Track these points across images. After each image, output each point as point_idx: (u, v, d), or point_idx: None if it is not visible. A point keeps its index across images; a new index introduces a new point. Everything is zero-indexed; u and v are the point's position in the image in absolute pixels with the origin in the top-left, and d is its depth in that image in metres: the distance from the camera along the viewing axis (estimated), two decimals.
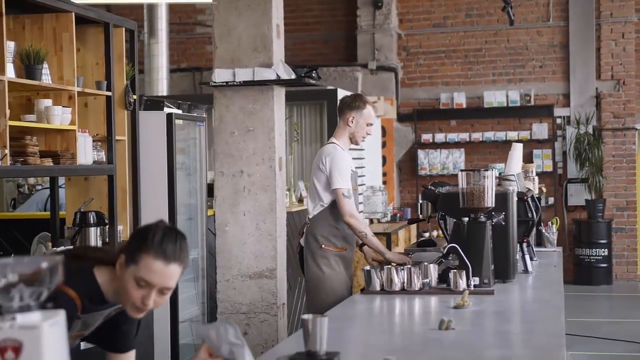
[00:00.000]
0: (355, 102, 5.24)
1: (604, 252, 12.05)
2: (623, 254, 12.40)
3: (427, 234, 12.24)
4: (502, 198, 4.49)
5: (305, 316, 2.70)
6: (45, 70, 4.84)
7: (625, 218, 12.41)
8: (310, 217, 5.23)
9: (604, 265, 12.08)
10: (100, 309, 2.68)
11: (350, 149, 8.67)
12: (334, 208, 5.12)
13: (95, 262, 2.66)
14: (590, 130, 12.17)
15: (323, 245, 5.13)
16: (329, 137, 9.65)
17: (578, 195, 12.39)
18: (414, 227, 11.10)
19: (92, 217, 5.29)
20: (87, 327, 2.71)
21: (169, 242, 2.54)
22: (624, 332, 8.84)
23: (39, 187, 8.58)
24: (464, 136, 12.63)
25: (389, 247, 8.84)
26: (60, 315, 1.77)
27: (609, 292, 11.76)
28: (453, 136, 12.67)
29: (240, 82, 5.70)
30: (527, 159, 12.18)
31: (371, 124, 5.27)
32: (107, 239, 5.47)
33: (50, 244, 5.32)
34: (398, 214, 11.03)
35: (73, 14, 5.08)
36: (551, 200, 12.38)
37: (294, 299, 7.43)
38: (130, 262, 2.54)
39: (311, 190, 5.27)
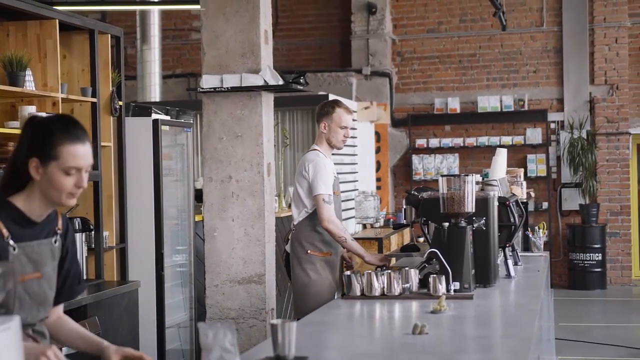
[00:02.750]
0: (324, 108, 5.37)
1: (598, 256, 12.05)
2: (617, 259, 12.40)
3: (422, 239, 12.25)
4: (482, 203, 4.50)
5: (274, 321, 2.72)
6: (29, 76, 4.86)
7: (619, 222, 12.41)
8: (295, 223, 5.32)
9: (598, 269, 12.08)
10: (33, 234, 2.68)
11: (340, 154, 8.69)
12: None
13: (6, 195, 2.69)
14: (584, 135, 12.18)
15: (309, 251, 5.22)
16: None
17: (572, 200, 12.40)
18: (407, 232, 11.12)
19: (77, 223, 5.31)
20: (38, 265, 2.68)
21: (72, 126, 2.67)
22: (616, 337, 8.85)
23: None
24: (458, 141, 12.65)
25: (380, 252, 8.84)
26: (14, 321, 1.79)
27: (603, 297, 11.76)
28: (447, 141, 12.69)
29: (228, 88, 5.72)
30: (521, 163, 12.20)
31: (345, 127, 5.33)
32: (92, 245, 5.49)
33: None
34: (391, 219, 11.03)
35: (57, 20, 5.10)
36: (545, 204, 12.39)
37: (283, 304, 7.44)
38: (48, 159, 2.62)
39: (295, 197, 5.35)
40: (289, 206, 8.18)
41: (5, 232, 2.60)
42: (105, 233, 5.61)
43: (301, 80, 6.09)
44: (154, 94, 10.53)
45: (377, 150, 12.22)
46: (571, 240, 12.21)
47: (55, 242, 2.76)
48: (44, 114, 2.73)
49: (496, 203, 4.65)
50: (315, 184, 5.13)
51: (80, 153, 2.65)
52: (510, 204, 4.99)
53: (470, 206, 4.35)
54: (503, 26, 10.30)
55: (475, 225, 4.43)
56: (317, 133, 5.45)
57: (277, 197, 7.91)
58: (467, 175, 4.38)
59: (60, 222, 2.80)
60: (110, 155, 5.77)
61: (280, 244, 6.59)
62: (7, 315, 2.42)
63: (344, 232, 5.14)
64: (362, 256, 5.13)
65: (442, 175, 4.42)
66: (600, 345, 8.47)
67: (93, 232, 5.47)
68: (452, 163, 12.69)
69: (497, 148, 5.66)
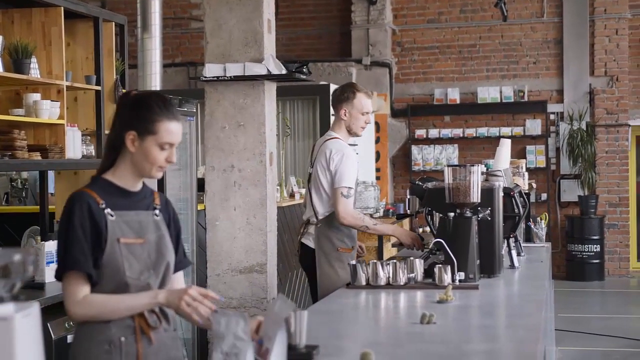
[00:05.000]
0: (344, 93, 5.11)
1: (596, 248, 12.08)
2: (615, 250, 12.43)
3: (420, 230, 12.27)
4: (488, 193, 4.49)
5: None
6: (34, 64, 4.85)
7: (618, 214, 12.44)
8: (319, 217, 5.07)
9: (596, 261, 12.11)
10: (130, 204, 2.82)
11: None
12: None
13: (101, 173, 2.86)
14: (584, 127, 12.20)
15: (339, 248, 5.01)
16: (321, 132, 9.72)
17: (571, 191, 12.42)
18: (407, 222, 11.13)
19: None
20: (140, 232, 2.82)
21: (169, 104, 2.83)
22: (615, 328, 8.88)
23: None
24: (457, 132, 12.66)
25: (380, 242, 8.84)
26: (34, 307, 1.79)
27: (601, 288, 11.79)
28: (447, 132, 12.70)
29: (231, 77, 5.71)
30: (521, 154, 12.21)
31: (367, 113, 5.11)
32: None
33: (39, 237, 5.33)
34: (391, 210, 11.05)
35: (62, 8, 5.08)
36: (544, 196, 12.40)
37: (285, 294, 7.45)
38: (146, 134, 2.77)
39: (316, 190, 5.08)
40: (291, 196, 8.18)
41: (100, 200, 2.75)
42: None
43: (304, 70, 6.08)
44: (155, 82, 10.46)
45: (377, 141, 12.23)
46: (570, 232, 12.24)
47: (156, 215, 2.88)
48: (137, 91, 2.90)
49: (501, 193, 4.65)
50: (338, 176, 4.91)
51: (176, 130, 2.80)
52: (515, 194, 5.00)
53: (475, 196, 4.35)
54: (504, 17, 10.29)
55: (480, 215, 4.43)
56: (335, 119, 5.21)
57: (278, 187, 7.91)
58: (473, 166, 4.38)
59: (157, 199, 2.93)
60: None
61: (280, 234, 6.58)
62: (116, 272, 2.71)
63: (362, 220, 4.93)
64: (392, 235, 5.01)
65: (448, 166, 4.42)
66: (598, 336, 8.50)
67: None
68: (451, 154, 12.70)
69: (501, 139, 5.67)
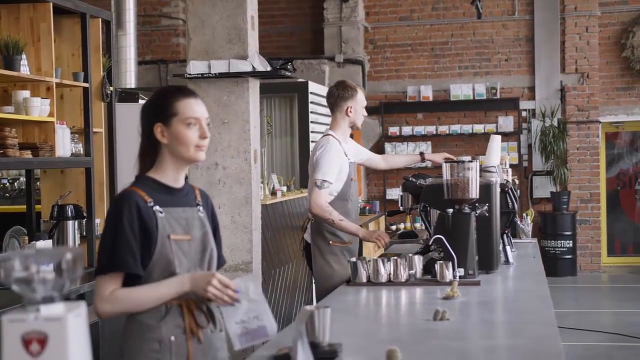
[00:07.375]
0: (348, 91, 5.19)
1: (568, 243, 12.19)
2: (587, 246, 12.55)
3: (394, 227, 12.30)
4: (485, 189, 4.50)
5: (309, 307, 2.70)
6: (24, 61, 4.76)
7: (589, 210, 12.56)
8: (313, 212, 5.07)
9: (569, 256, 12.23)
10: (176, 201, 2.81)
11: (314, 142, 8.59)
12: (338, 202, 5.05)
13: (143, 173, 2.85)
14: (555, 123, 12.30)
15: (331, 242, 5.07)
16: (300, 129, 9.69)
17: (543, 188, 12.52)
18: (382, 219, 11.16)
19: (69, 210, 5.22)
20: (187, 229, 2.80)
21: (182, 87, 2.88)
22: (591, 323, 8.96)
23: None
24: (430, 129, 12.69)
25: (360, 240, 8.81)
26: (82, 307, 1.75)
27: (573, 283, 11.90)
28: (420, 129, 12.73)
29: (216, 74, 5.66)
30: None
31: (364, 105, 5.30)
32: (84, 233, 5.40)
33: (26, 237, 5.24)
34: (367, 207, 11.08)
35: (51, 4, 5.00)
36: (517, 192, 12.47)
37: (269, 292, 7.41)
38: (169, 118, 2.77)
39: (310, 186, 5.11)
40: (273, 193, 8.14)
41: (148, 198, 2.75)
42: (97, 220, 5.53)
43: (288, 67, 6.06)
44: (130, 80, 10.38)
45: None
46: (542, 228, 12.34)
47: (200, 212, 2.87)
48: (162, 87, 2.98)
49: (498, 189, 4.66)
50: (317, 168, 4.98)
51: (194, 105, 2.80)
52: (509, 190, 5.02)
53: (474, 192, 4.35)
54: (479, 14, 10.32)
55: (478, 211, 4.43)
56: (334, 118, 5.22)
57: (261, 185, 7.86)
58: (471, 161, 4.38)
59: (198, 195, 2.92)
60: (102, 142, 5.69)
61: (264, 232, 6.55)
62: (166, 269, 2.71)
63: (329, 214, 4.94)
64: (355, 234, 5.04)
65: (446, 162, 4.42)
66: (573, 331, 8.57)
67: (85, 220, 5.38)
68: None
69: (492, 135, 5.68)
